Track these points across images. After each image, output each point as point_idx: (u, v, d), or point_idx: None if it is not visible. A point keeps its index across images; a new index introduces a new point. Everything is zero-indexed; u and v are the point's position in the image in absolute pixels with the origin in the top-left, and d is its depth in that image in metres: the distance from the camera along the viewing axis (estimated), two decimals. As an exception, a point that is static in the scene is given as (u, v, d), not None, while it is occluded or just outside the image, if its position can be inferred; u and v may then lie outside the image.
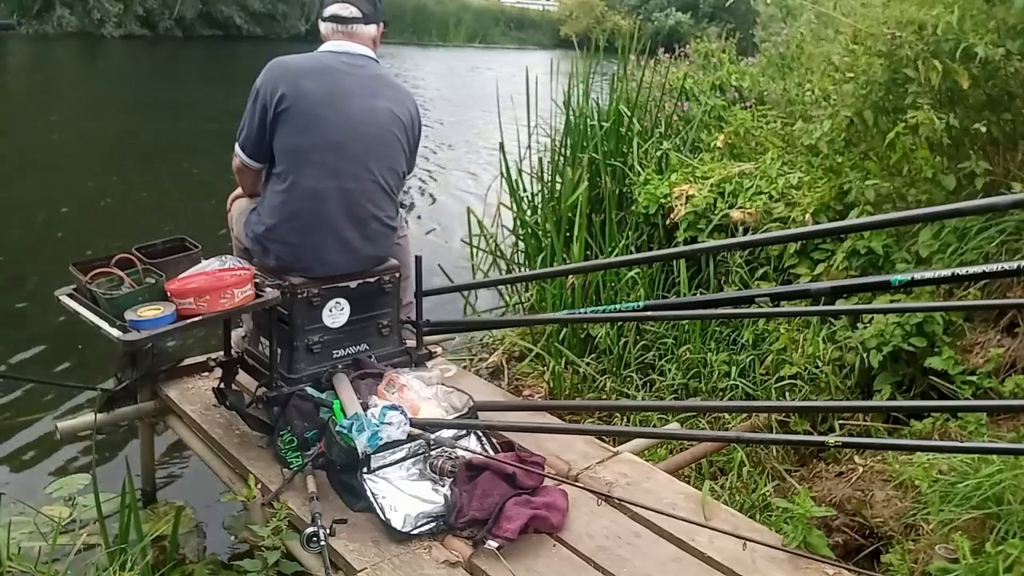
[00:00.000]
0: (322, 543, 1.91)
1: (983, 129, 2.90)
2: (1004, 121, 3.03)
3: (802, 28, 4.64)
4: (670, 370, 3.50)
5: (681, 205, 3.95)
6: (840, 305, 2.92)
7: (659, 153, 4.62)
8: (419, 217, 7.17)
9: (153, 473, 2.95)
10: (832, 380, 2.98)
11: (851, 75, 3.19)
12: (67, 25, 19.74)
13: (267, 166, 2.53)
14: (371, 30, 2.56)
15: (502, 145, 5.11)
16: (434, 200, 7.80)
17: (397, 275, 2.66)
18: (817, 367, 3.03)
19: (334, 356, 2.55)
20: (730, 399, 3.24)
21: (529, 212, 5.05)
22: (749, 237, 3.41)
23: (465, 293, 4.64)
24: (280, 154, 2.45)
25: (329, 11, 2.52)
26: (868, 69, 3.15)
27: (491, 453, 2.35)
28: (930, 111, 2.86)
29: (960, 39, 2.82)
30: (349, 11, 2.50)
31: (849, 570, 2.03)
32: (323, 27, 2.56)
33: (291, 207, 2.44)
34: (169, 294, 2.18)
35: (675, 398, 3.41)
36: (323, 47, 2.54)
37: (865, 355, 2.89)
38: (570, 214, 4.53)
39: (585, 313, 3.15)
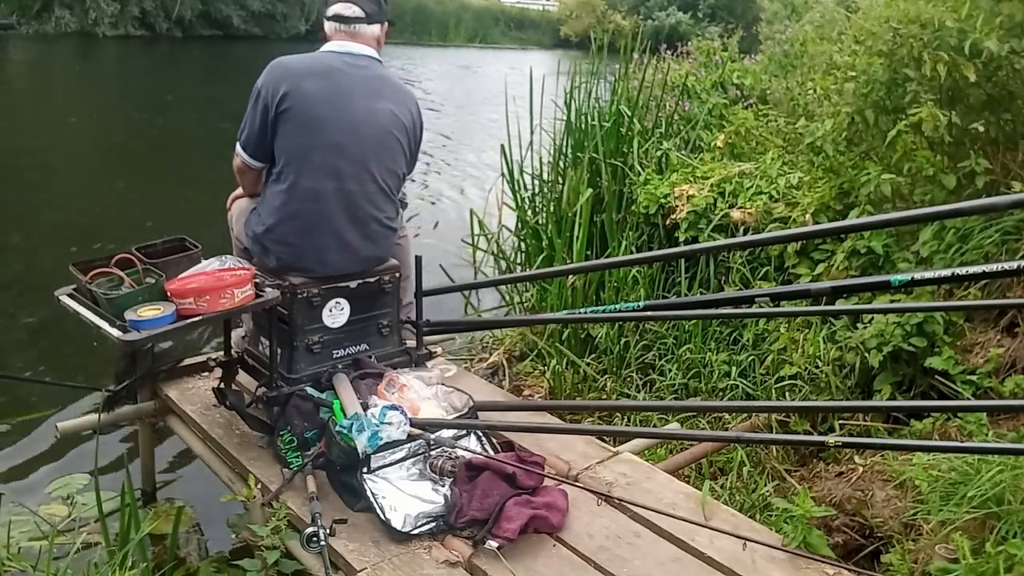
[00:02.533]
0: (322, 543, 1.91)
1: (982, 129, 2.90)
2: (1004, 121, 3.03)
3: (806, 26, 4.64)
4: (670, 370, 3.50)
5: (682, 205, 3.95)
6: (840, 305, 2.92)
7: (659, 153, 4.62)
8: (423, 215, 7.17)
9: (153, 473, 2.95)
10: (832, 380, 2.98)
11: (852, 74, 3.19)
12: (66, 26, 19.75)
13: (268, 166, 2.53)
14: (374, 30, 2.54)
15: (503, 146, 5.11)
16: (435, 200, 7.79)
17: (397, 275, 2.65)
18: (817, 367, 3.03)
19: (334, 356, 2.55)
20: (730, 399, 3.24)
21: (530, 212, 5.05)
22: (749, 237, 3.41)
23: (465, 293, 4.64)
24: (281, 154, 2.44)
25: (332, 10, 2.51)
26: (868, 68, 3.15)
27: (491, 453, 2.35)
28: (934, 107, 2.86)
29: (966, 34, 2.81)
30: (352, 11, 2.49)
31: (849, 570, 2.03)
32: (327, 26, 2.55)
33: (292, 207, 2.44)
34: (169, 294, 2.18)
35: (675, 398, 3.41)
36: (325, 47, 2.53)
37: (865, 355, 2.89)
38: (571, 214, 4.53)
39: (585, 313, 3.15)
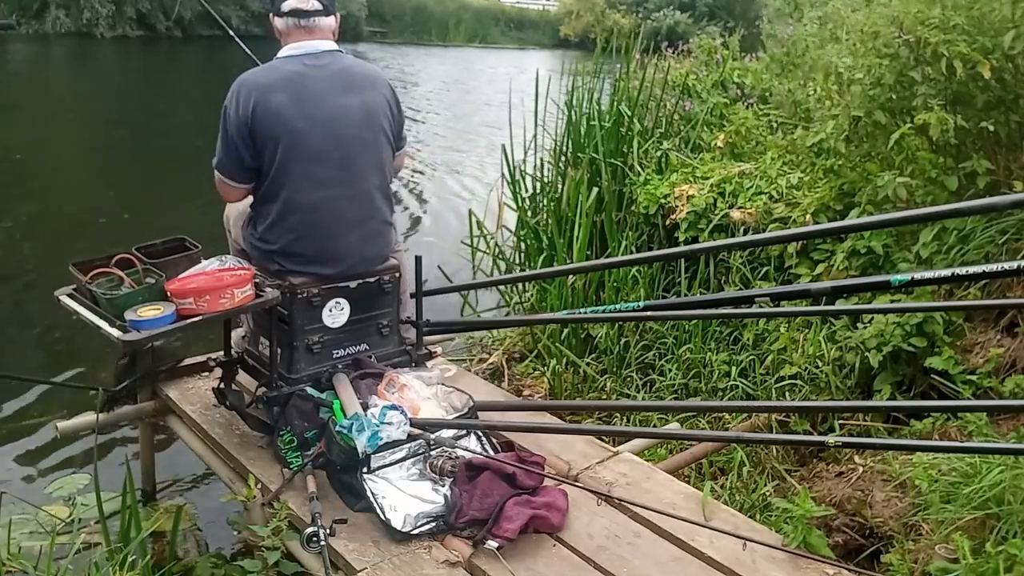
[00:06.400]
0: (322, 543, 1.91)
1: (991, 128, 2.90)
2: (1012, 122, 3.02)
3: (808, 25, 4.63)
4: (670, 370, 3.50)
5: (682, 205, 3.95)
6: (840, 305, 2.92)
7: (659, 153, 4.61)
8: (422, 217, 7.17)
9: (153, 473, 2.95)
10: (832, 380, 2.98)
11: (858, 76, 3.19)
12: (63, 26, 19.76)
13: (254, 184, 2.49)
14: (331, 21, 2.49)
15: (503, 147, 5.12)
16: (435, 201, 7.79)
17: (397, 275, 2.65)
18: (817, 367, 3.03)
19: (334, 356, 2.55)
20: (730, 399, 3.24)
21: (530, 213, 5.05)
22: (749, 237, 3.41)
23: (465, 293, 4.64)
24: (266, 173, 2.41)
25: (288, 5, 2.43)
26: (872, 70, 3.15)
27: (491, 453, 2.36)
28: (940, 111, 2.86)
29: (974, 37, 2.82)
30: (310, 3, 2.43)
31: (849, 570, 2.03)
32: (281, 23, 2.45)
33: (287, 223, 2.42)
34: (169, 294, 2.18)
35: (675, 398, 3.41)
36: (283, 51, 2.46)
37: (865, 355, 2.89)
38: (570, 214, 4.53)
39: (585, 313, 3.15)
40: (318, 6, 2.44)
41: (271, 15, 2.50)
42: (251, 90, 2.37)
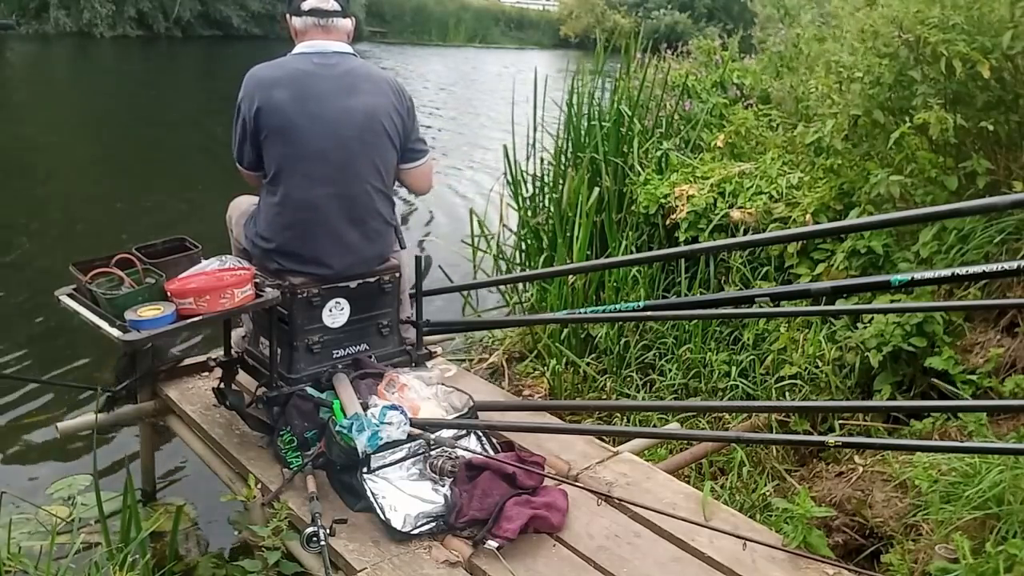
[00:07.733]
0: (322, 543, 1.91)
1: (991, 128, 2.90)
2: (1011, 122, 3.02)
3: (801, 27, 4.63)
4: (670, 370, 3.50)
5: (682, 205, 3.95)
6: (840, 305, 2.92)
7: (659, 153, 4.61)
8: (422, 216, 7.16)
9: (153, 473, 2.96)
10: (832, 380, 2.98)
11: (858, 75, 3.19)
12: (64, 26, 19.77)
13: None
14: (348, 23, 2.53)
15: (505, 147, 5.12)
16: (436, 200, 7.77)
17: (397, 275, 2.65)
18: (817, 367, 3.03)
19: (334, 356, 2.55)
20: (730, 399, 3.24)
21: (531, 212, 5.05)
22: (749, 237, 3.41)
23: (465, 293, 4.64)
24: (269, 166, 2.44)
25: (308, 4, 2.46)
26: (871, 69, 3.14)
27: (491, 453, 2.36)
28: (940, 110, 2.86)
29: (973, 37, 2.83)
30: (330, 3, 2.47)
31: (849, 570, 2.03)
32: (299, 22, 2.49)
33: (286, 219, 2.44)
34: (169, 294, 2.18)
35: (675, 398, 3.41)
36: (297, 48, 2.49)
37: (865, 355, 2.89)
38: (571, 214, 4.53)
39: (585, 313, 3.15)
40: (337, 6, 2.48)
41: (288, 15, 2.53)
42: (256, 85, 2.41)
